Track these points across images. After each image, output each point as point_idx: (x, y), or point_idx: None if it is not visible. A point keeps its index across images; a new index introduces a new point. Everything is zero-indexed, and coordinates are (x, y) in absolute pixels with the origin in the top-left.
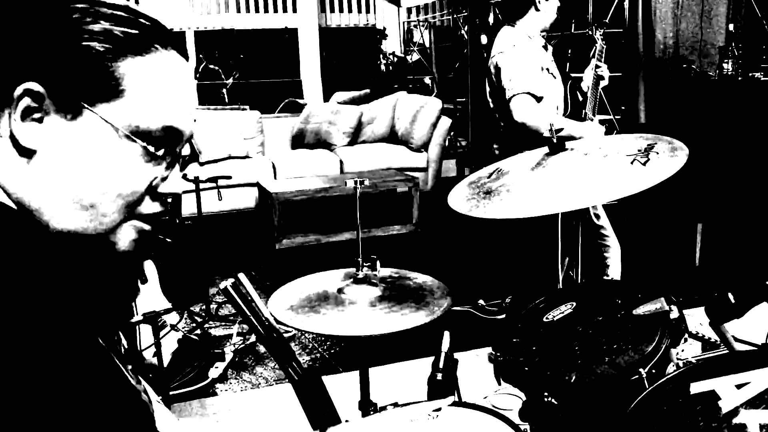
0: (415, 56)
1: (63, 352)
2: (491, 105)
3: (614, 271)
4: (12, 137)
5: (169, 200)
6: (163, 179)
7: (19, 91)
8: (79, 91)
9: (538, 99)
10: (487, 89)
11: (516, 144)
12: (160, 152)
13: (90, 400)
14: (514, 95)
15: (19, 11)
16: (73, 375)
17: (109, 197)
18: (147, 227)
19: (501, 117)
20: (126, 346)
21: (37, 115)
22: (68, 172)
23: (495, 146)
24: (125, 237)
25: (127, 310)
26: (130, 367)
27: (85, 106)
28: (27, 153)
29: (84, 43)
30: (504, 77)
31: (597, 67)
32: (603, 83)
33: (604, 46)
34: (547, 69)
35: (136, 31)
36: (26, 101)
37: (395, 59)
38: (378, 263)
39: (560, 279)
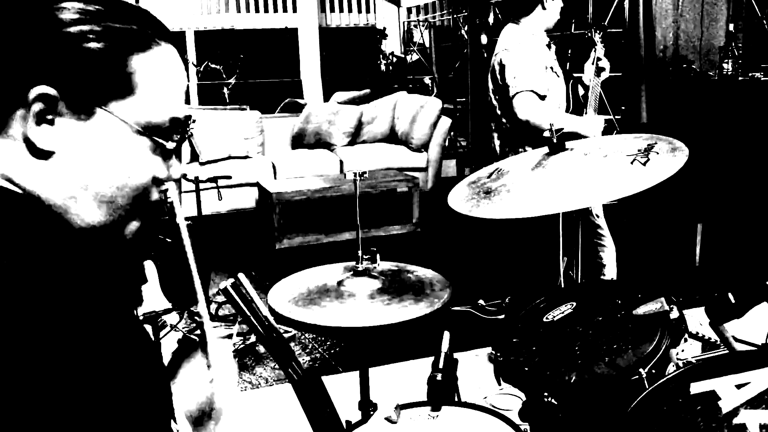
0: (415, 56)
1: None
2: (494, 102)
3: (610, 272)
4: (27, 141)
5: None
6: (167, 168)
7: (32, 95)
8: (91, 91)
9: (542, 97)
10: (490, 86)
11: (518, 141)
12: (171, 145)
13: (135, 368)
14: (518, 92)
15: (21, 16)
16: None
17: (125, 191)
18: (147, 213)
19: (503, 114)
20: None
21: (50, 117)
22: (86, 171)
23: (496, 143)
24: (133, 224)
25: (138, 294)
26: None
27: (98, 105)
28: (44, 155)
29: (86, 45)
30: (508, 74)
31: (598, 59)
32: (604, 75)
33: (603, 49)
34: (551, 68)
35: (136, 27)
36: (39, 105)
37: (395, 59)
38: (378, 256)
39: (560, 279)
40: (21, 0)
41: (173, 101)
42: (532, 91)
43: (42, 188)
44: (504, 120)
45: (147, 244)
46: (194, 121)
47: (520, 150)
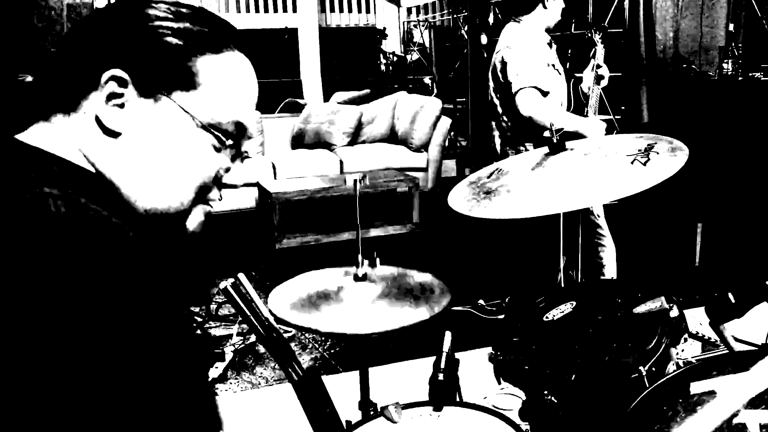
0: (415, 56)
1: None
2: (495, 100)
3: (610, 271)
4: (97, 119)
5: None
6: (227, 170)
7: (106, 76)
8: (159, 79)
9: (544, 93)
10: (491, 85)
11: (519, 139)
12: (230, 143)
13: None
14: (520, 89)
15: (114, 7)
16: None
17: (187, 180)
18: (209, 209)
19: (505, 112)
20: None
21: (119, 101)
22: (151, 154)
23: (496, 142)
24: (195, 219)
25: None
26: None
27: (164, 93)
28: (112, 134)
29: (166, 39)
30: (510, 71)
31: (598, 67)
32: (603, 83)
33: (604, 49)
34: (553, 65)
35: (211, 31)
36: (112, 85)
37: (395, 58)
38: (378, 260)
39: (560, 277)
40: (119, 3)
41: (238, 106)
42: (534, 87)
43: (111, 167)
44: (505, 118)
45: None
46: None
47: (521, 148)
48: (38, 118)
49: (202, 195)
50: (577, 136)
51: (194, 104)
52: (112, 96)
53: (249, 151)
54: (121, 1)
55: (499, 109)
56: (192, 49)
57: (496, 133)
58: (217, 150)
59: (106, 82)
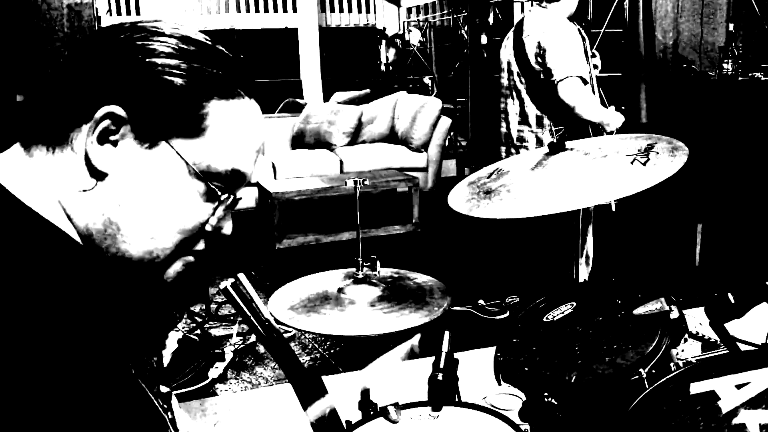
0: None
1: (97, 375)
2: (518, 85)
3: (583, 271)
4: (86, 157)
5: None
6: (219, 219)
7: (101, 112)
8: (161, 123)
9: (585, 83)
10: (515, 69)
11: (564, 121)
12: (224, 196)
13: (114, 423)
14: (566, 77)
15: (116, 39)
16: (102, 398)
17: (170, 230)
18: (191, 259)
19: (534, 99)
20: (155, 364)
21: (113, 138)
22: (136, 200)
23: (512, 127)
24: (173, 268)
25: (163, 337)
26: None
27: (164, 138)
28: (98, 175)
29: (170, 78)
30: (551, 58)
31: (592, 56)
32: (595, 72)
33: (588, 39)
34: (586, 52)
35: (223, 74)
36: (106, 123)
37: (401, 45)
38: (378, 263)
39: (578, 277)
40: (122, 28)
41: (241, 154)
42: (579, 77)
43: (85, 208)
44: (530, 101)
45: (190, 297)
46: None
47: (539, 130)
48: (19, 142)
49: (185, 246)
50: (595, 127)
51: (193, 151)
52: (105, 134)
53: (239, 198)
54: (126, 27)
55: (524, 95)
56: (201, 94)
57: (513, 119)
58: (209, 199)
59: (102, 119)
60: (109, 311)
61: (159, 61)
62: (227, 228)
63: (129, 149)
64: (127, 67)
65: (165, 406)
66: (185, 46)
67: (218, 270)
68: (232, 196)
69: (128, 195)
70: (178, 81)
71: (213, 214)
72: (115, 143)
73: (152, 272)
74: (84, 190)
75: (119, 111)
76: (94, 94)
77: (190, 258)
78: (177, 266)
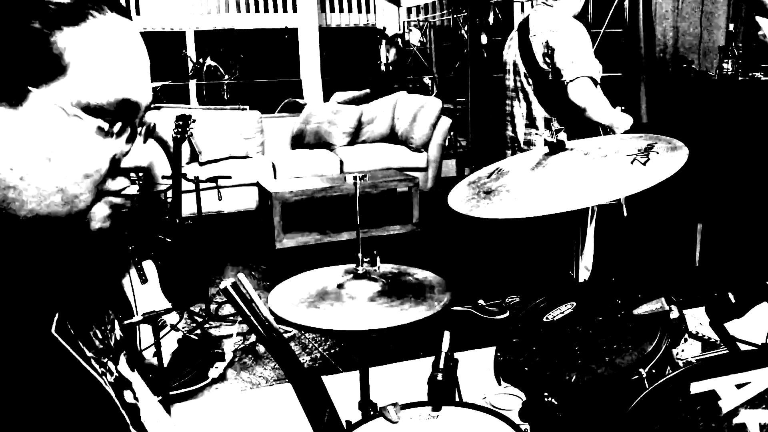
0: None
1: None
2: (525, 86)
3: (583, 272)
4: None
5: (139, 174)
6: (125, 153)
7: None
8: (18, 74)
9: (596, 84)
10: (521, 69)
11: (573, 124)
12: (116, 128)
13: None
14: (576, 78)
15: None
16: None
17: (74, 178)
18: (119, 200)
19: (541, 99)
20: (120, 336)
21: None
22: (27, 160)
23: (519, 127)
24: (99, 214)
25: (113, 291)
26: (120, 358)
27: (28, 89)
28: None
29: (11, 23)
30: (560, 58)
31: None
32: (597, 77)
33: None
34: (594, 53)
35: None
36: None
37: (401, 45)
38: (378, 258)
39: (578, 277)
40: None
41: (120, 80)
42: (590, 77)
43: None
44: (538, 103)
45: (122, 233)
46: (194, 121)
47: (547, 133)
48: None
49: (99, 188)
50: (605, 130)
51: (65, 92)
52: None
53: (154, 125)
54: None
55: (532, 99)
56: (48, 28)
57: (519, 122)
58: (106, 135)
59: None
60: (28, 273)
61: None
62: (139, 159)
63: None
64: None
65: (105, 371)
66: None
67: (218, 270)
68: (129, 127)
69: (16, 158)
70: (35, 24)
71: (118, 149)
72: None
73: (75, 222)
74: None
75: None
76: None
77: (115, 199)
78: (103, 210)
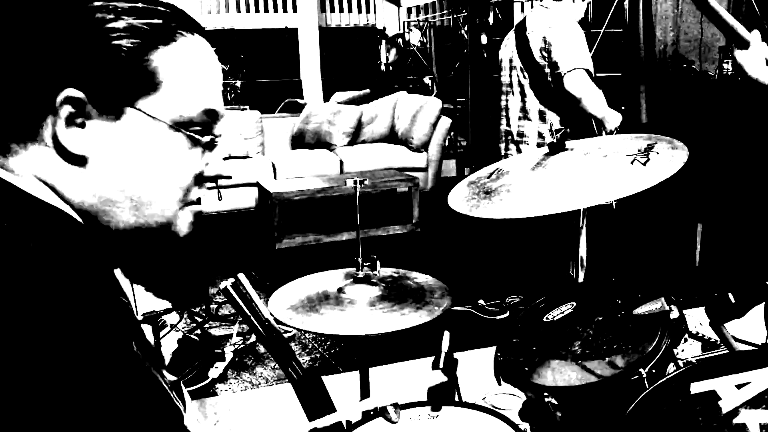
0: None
1: (108, 354)
2: (521, 81)
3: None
4: (58, 146)
5: (217, 182)
6: (207, 163)
7: (60, 99)
8: (118, 91)
9: (592, 78)
10: (518, 65)
11: (567, 115)
12: (206, 138)
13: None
14: (573, 69)
15: (46, 19)
16: (115, 380)
17: (166, 190)
18: (199, 208)
19: (539, 95)
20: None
21: (79, 120)
22: (123, 173)
23: (513, 125)
24: (184, 221)
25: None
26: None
27: (127, 104)
28: (78, 160)
29: (113, 42)
30: (557, 52)
31: None
32: None
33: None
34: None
35: (160, 21)
36: (68, 108)
37: (401, 45)
38: (378, 263)
39: (578, 277)
40: (51, 6)
41: (205, 93)
42: (585, 69)
43: (78, 193)
44: (533, 96)
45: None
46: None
47: (541, 124)
48: None
49: (184, 198)
50: (599, 122)
51: (159, 106)
52: (70, 118)
53: (222, 133)
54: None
55: (528, 92)
56: (143, 48)
57: (513, 114)
58: (194, 146)
59: (61, 106)
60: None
61: (106, 27)
62: (220, 169)
63: (98, 127)
64: (76, 42)
65: (174, 393)
66: (114, 4)
67: (218, 270)
68: (211, 136)
69: (114, 171)
70: (119, 43)
71: (203, 158)
72: (82, 125)
73: (165, 231)
74: (70, 178)
75: (75, 93)
76: (47, 83)
77: (198, 207)
78: (188, 217)
